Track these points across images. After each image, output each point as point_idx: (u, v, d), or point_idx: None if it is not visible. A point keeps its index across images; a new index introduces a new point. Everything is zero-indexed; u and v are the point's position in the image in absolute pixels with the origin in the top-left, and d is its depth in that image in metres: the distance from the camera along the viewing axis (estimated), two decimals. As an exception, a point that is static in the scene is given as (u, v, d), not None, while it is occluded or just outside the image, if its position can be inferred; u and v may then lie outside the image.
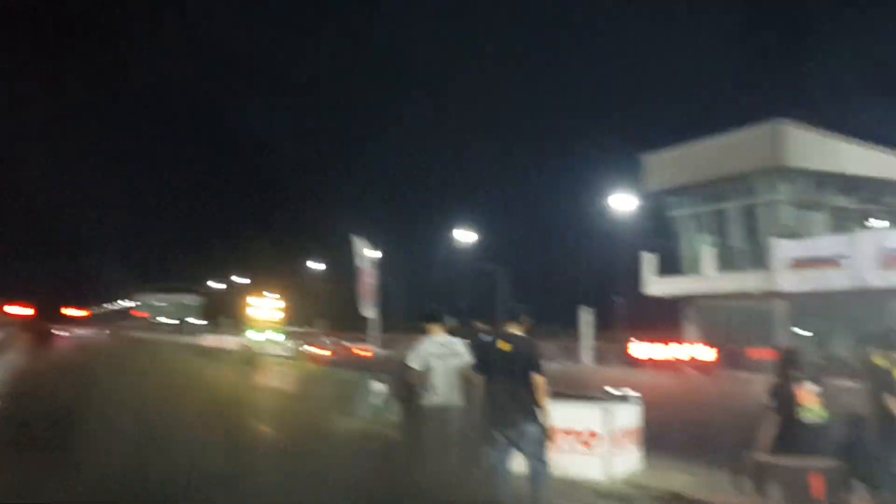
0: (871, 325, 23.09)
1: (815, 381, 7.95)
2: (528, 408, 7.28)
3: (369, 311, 20.08)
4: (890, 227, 21.23)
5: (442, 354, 8.31)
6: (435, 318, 8.58)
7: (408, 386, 8.85)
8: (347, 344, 39.32)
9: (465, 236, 52.20)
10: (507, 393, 7.35)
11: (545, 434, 7.38)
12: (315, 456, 11.27)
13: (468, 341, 8.89)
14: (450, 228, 53.20)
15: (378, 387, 16.20)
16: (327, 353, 35.61)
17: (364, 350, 33.91)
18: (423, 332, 8.86)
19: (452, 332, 9.86)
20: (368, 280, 19.67)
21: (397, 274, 57.02)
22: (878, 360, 10.82)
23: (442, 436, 8.34)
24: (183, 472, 8.53)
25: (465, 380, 8.52)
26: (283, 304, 52.15)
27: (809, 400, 7.79)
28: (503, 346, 7.52)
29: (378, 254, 22.65)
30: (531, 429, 7.27)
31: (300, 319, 57.06)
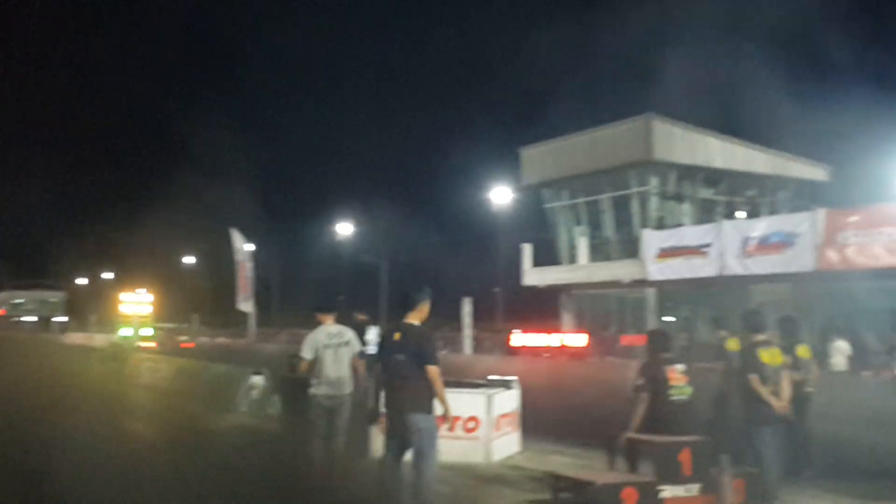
0: (726, 310, 24.39)
1: (681, 361, 8.35)
2: (415, 398, 7.07)
3: (246, 305, 19.60)
4: (750, 217, 22.43)
5: (332, 344, 8.33)
6: (326, 308, 8.59)
7: (293, 377, 8.77)
8: (176, 336, 38.69)
9: (345, 229, 51.87)
10: (396, 383, 7.26)
11: (433, 425, 7.19)
12: (192, 454, 10.95)
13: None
14: (329, 221, 52.78)
15: (257, 380, 15.93)
16: (152, 344, 35.33)
17: (187, 342, 34.18)
18: (310, 322, 8.91)
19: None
20: (245, 274, 19.19)
21: (274, 268, 56.05)
22: (732, 343, 11.45)
23: (330, 425, 8.33)
24: (47, 475, 8.14)
25: (354, 369, 8.56)
26: (152, 298, 50.39)
27: (677, 379, 8.17)
28: (396, 335, 7.39)
29: (252, 247, 22.19)
30: (417, 419, 7.15)
31: (173, 315, 55.22)
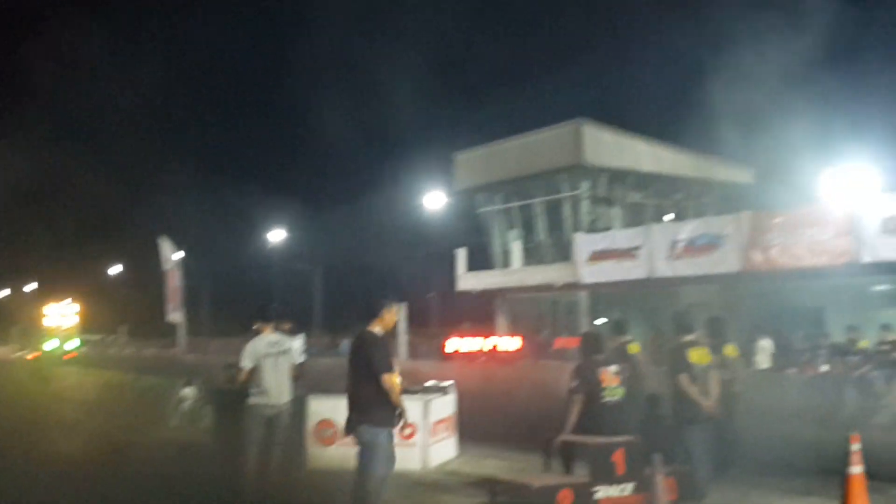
0: (657, 311, 24.89)
1: (613, 362, 8.47)
2: (360, 409, 6.89)
3: (175, 316, 19.16)
4: (678, 220, 22.94)
5: (272, 353, 8.23)
6: (264, 317, 8.47)
7: (226, 388, 8.61)
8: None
9: (277, 236, 51.21)
10: (348, 392, 7.10)
11: (376, 439, 6.94)
12: (117, 471, 10.64)
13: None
14: (261, 228, 52.05)
15: (188, 392, 15.62)
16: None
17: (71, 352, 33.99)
18: (242, 331, 8.84)
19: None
20: (174, 284, 18.76)
21: (205, 276, 55.00)
22: (633, 347, 11.74)
23: (268, 435, 8.21)
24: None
25: (294, 378, 8.46)
26: (78, 309, 48.86)
27: (610, 381, 8.28)
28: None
29: (181, 254, 21.74)
30: (360, 431, 6.89)
31: (101, 326, 53.69)
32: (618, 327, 11.10)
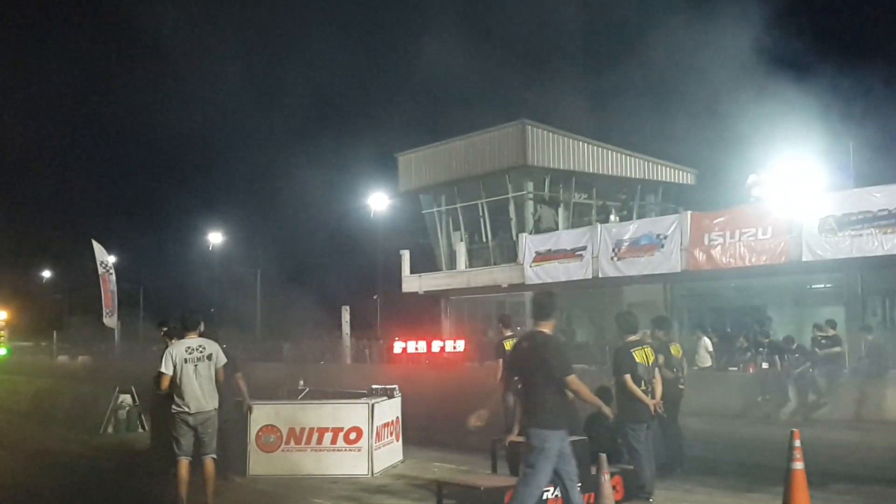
0: (600, 311, 25.11)
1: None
2: (531, 411, 6.61)
3: (110, 321, 18.62)
4: (621, 220, 23.12)
5: (192, 358, 7.98)
6: (186, 322, 8.23)
7: (161, 393, 8.30)
8: None
9: (216, 238, 50.35)
10: (520, 395, 6.90)
11: (544, 441, 6.49)
12: (49, 481, 10.28)
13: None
14: (201, 231, 51.14)
15: (124, 399, 15.18)
16: None
17: None
18: (174, 337, 8.57)
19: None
20: (108, 287, 18.22)
21: (141, 280, 53.84)
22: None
23: (197, 442, 7.93)
24: None
25: (219, 383, 8.18)
26: (5, 316, 47.14)
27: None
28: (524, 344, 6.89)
29: (113, 258, 21.13)
30: (531, 433, 6.55)
31: (32, 333, 51.94)
32: (659, 323, 10.80)
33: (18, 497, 9.50)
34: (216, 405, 8.04)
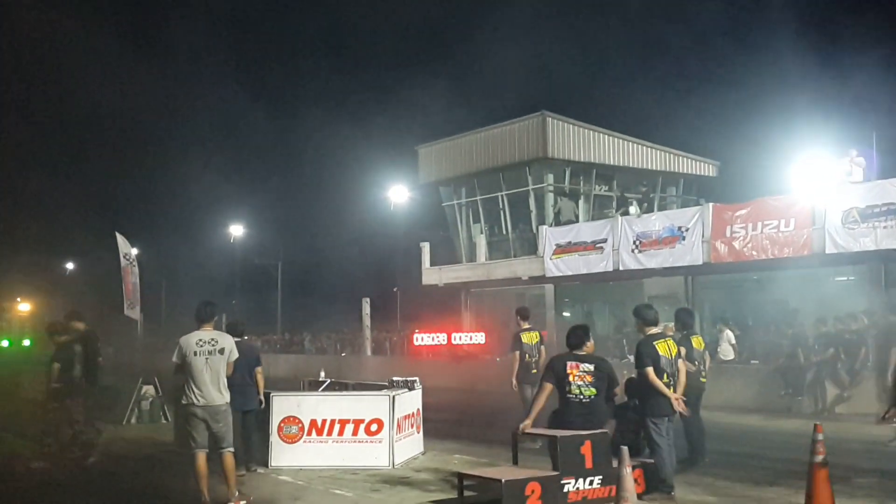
0: (621, 304, 25.02)
1: (587, 359, 8.36)
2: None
3: (132, 312, 18.73)
4: (641, 213, 22.99)
5: (203, 351, 7.89)
6: (200, 314, 8.14)
7: (178, 385, 8.33)
8: None
9: (238, 231, 50.57)
10: None
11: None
12: (76, 471, 10.40)
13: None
14: (223, 224, 51.38)
15: (147, 390, 15.34)
16: None
17: None
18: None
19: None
20: (130, 279, 18.34)
21: (163, 273, 54.21)
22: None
23: (211, 435, 7.91)
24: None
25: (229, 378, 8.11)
26: (29, 308, 47.63)
27: (579, 377, 8.19)
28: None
29: (135, 251, 21.21)
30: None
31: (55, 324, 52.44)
32: (679, 320, 10.75)
33: (41, 488, 9.63)
34: (227, 400, 7.97)
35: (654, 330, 8.47)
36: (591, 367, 8.18)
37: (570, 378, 8.13)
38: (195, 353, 7.87)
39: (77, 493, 9.14)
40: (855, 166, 16.65)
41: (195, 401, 7.83)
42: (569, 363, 8.22)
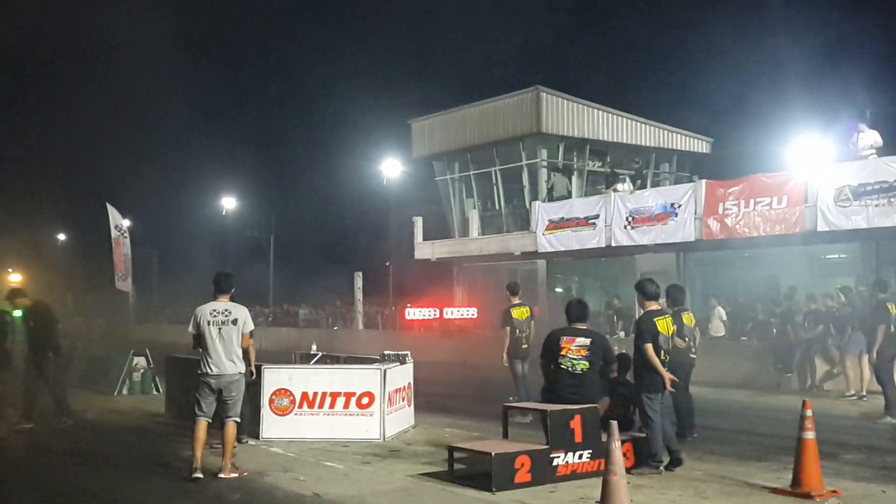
0: (612, 280, 25.07)
1: (583, 333, 8.37)
2: None
3: (123, 284, 18.71)
4: (634, 189, 22.93)
5: (216, 321, 7.99)
6: (219, 284, 8.21)
7: (181, 357, 8.38)
8: None
9: (230, 203, 50.29)
10: None
11: None
12: (68, 441, 10.42)
13: None
14: (214, 196, 51.08)
15: (139, 361, 15.35)
16: None
17: None
18: (193, 302, 8.63)
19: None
20: (122, 251, 18.28)
21: (154, 244, 54.03)
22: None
23: (221, 404, 8.01)
24: None
25: (245, 348, 8.19)
26: (20, 279, 47.35)
27: (572, 351, 8.21)
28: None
29: (127, 222, 21.15)
30: None
31: (46, 296, 52.28)
32: (879, 285, 11.21)
33: (34, 457, 9.65)
34: (241, 370, 8.06)
35: (654, 305, 8.45)
36: (587, 342, 8.23)
37: (564, 352, 8.18)
38: (209, 323, 7.98)
39: (66, 462, 9.14)
40: (869, 137, 16.40)
41: (208, 370, 7.94)
42: (563, 338, 8.26)
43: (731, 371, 16.37)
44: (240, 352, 8.06)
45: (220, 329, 7.96)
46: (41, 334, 11.33)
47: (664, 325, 8.25)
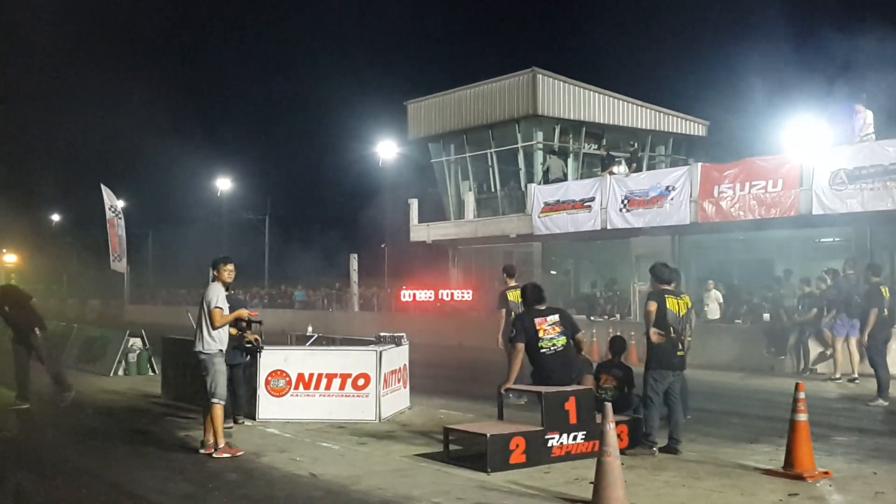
0: (608, 263, 25.10)
1: (548, 312, 8.43)
2: None
3: (118, 265, 18.68)
4: (630, 171, 22.91)
5: (199, 301, 8.46)
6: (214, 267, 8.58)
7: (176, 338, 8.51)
8: None
9: (224, 184, 50.14)
10: None
11: None
12: (64, 421, 10.45)
13: None
14: (209, 177, 50.92)
15: (135, 342, 15.37)
16: None
17: None
18: (188, 283, 8.80)
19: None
20: (116, 232, 18.25)
21: (149, 225, 53.92)
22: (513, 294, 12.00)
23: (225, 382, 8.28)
24: None
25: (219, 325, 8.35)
26: (15, 259, 47.22)
27: (547, 331, 8.26)
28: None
29: (122, 203, 21.07)
30: None
31: (42, 277, 52.21)
32: (872, 269, 11.84)
33: (31, 437, 9.68)
34: (204, 349, 8.21)
35: (667, 288, 8.44)
36: (557, 318, 8.37)
37: (541, 333, 8.24)
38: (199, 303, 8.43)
39: (64, 441, 9.17)
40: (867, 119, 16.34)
41: (205, 348, 8.24)
42: (536, 320, 8.33)
43: (725, 353, 16.46)
44: (207, 332, 8.19)
45: (199, 308, 8.36)
46: (21, 315, 11.43)
47: (674, 302, 8.22)
